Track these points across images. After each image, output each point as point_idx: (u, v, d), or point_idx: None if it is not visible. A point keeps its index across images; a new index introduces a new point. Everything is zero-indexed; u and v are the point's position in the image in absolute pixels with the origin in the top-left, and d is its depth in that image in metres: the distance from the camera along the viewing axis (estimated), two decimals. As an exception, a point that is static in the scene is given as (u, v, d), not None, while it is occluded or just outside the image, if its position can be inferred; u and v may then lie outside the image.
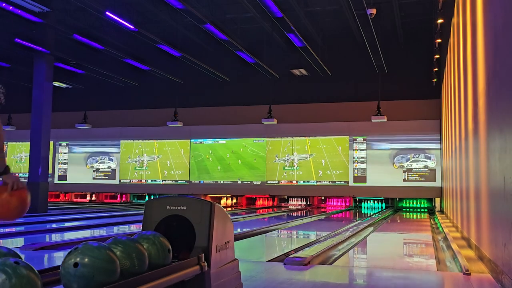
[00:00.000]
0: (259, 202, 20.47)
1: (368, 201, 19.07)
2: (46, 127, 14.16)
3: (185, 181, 20.89)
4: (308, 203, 19.80)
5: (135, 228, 9.80)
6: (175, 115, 19.36)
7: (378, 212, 16.65)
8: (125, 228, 10.04)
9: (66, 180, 22.72)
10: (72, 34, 14.71)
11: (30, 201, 2.49)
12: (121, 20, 12.97)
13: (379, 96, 17.58)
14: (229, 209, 17.97)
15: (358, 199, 19.17)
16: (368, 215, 15.10)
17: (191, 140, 21.00)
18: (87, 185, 22.39)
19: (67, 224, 10.83)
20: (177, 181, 21.02)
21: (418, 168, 18.38)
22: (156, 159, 21.30)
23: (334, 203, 19.51)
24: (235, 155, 20.53)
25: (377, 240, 9.16)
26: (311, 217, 13.93)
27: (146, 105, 21.18)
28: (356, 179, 18.96)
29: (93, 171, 22.38)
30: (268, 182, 19.96)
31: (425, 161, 18.36)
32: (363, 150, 19.04)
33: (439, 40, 13.96)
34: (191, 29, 16.74)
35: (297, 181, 19.66)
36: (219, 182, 20.53)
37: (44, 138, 14.09)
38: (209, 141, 20.90)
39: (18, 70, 20.08)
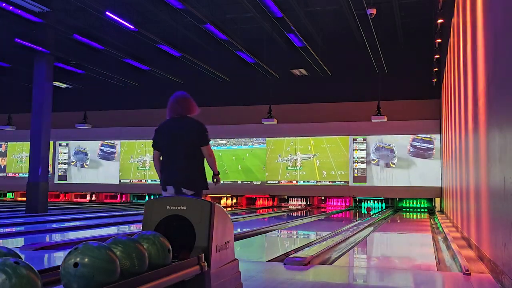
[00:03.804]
0: (259, 202, 20.47)
1: (368, 201, 19.07)
2: (46, 127, 14.16)
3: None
4: (308, 203, 19.79)
5: (135, 228, 9.80)
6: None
7: (378, 212, 16.65)
8: (125, 228, 10.04)
9: (66, 180, 22.74)
10: (72, 34, 14.70)
11: None
12: (121, 20, 12.97)
13: (379, 96, 17.57)
14: (229, 209, 17.96)
15: (358, 199, 19.17)
16: (368, 215, 15.10)
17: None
18: (87, 185, 22.40)
19: (67, 224, 10.83)
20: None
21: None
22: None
23: (334, 203, 19.51)
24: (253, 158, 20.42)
25: (377, 240, 9.16)
26: (311, 217, 13.93)
27: (146, 105, 21.17)
28: (356, 179, 18.95)
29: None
30: (268, 182, 19.96)
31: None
32: (363, 150, 19.04)
33: (439, 40, 13.96)
34: (191, 29, 16.74)
35: (297, 181, 19.64)
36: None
37: (44, 138, 14.08)
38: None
39: (18, 70, 20.08)
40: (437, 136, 18.15)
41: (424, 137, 18.38)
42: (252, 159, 20.34)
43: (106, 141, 22.35)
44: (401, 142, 18.59)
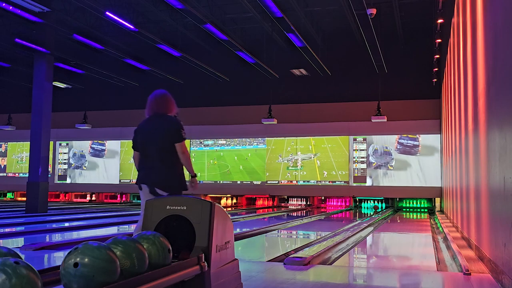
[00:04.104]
0: (259, 202, 20.46)
1: (368, 201, 19.07)
2: (46, 127, 14.16)
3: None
4: (308, 203, 19.79)
5: (135, 228, 9.78)
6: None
7: (378, 212, 16.65)
8: (125, 228, 10.03)
9: (66, 180, 22.74)
10: (72, 34, 14.71)
11: None
12: (121, 20, 12.97)
13: (379, 96, 17.58)
14: (229, 209, 17.96)
15: (358, 199, 19.17)
16: (368, 215, 15.10)
17: (191, 140, 20.99)
18: (87, 185, 22.40)
19: (67, 224, 10.83)
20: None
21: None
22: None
23: (334, 203, 19.50)
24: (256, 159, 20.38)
25: (377, 240, 9.16)
26: (311, 217, 13.93)
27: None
28: (356, 179, 18.95)
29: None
30: (268, 182, 19.95)
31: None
32: (363, 150, 19.04)
33: (439, 40, 13.96)
34: (191, 29, 16.74)
35: (297, 181, 19.64)
36: (219, 182, 20.52)
37: (44, 138, 14.08)
38: (212, 145, 20.88)
39: (18, 70, 20.08)
40: (422, 135, 18.31)
41: (410, 134, 18.49)
42: (256, 159, 20.32)
43: (95, 140, 22.52)
44: (391, 141, 18.66)
